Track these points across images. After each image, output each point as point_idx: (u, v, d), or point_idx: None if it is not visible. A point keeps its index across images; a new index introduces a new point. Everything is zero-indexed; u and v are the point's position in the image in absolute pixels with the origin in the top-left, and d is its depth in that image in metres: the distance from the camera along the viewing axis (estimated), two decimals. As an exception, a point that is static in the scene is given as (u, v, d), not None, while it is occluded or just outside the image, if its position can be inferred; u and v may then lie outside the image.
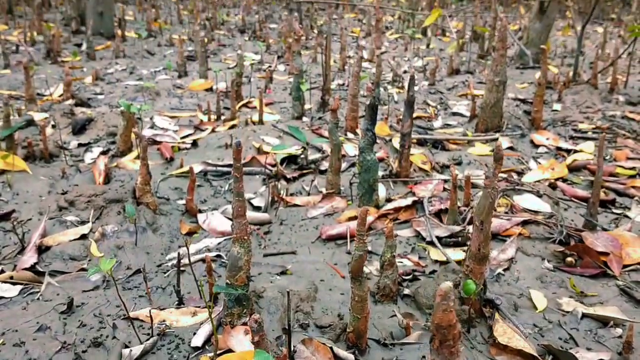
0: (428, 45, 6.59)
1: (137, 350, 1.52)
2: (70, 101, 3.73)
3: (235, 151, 1.55)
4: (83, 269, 1.94)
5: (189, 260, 1.71)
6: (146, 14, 8.35)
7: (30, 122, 3.18)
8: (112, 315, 1.69)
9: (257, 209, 2.40)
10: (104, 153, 2.93)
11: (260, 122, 3.41)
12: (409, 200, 2.30)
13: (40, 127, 2.83)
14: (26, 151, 2.79)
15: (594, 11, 4.70)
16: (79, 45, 6.25)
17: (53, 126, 3.24)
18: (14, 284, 1.86)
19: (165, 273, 1.93)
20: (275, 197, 2.42)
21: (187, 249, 1.71)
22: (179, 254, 1.77)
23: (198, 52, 5.49)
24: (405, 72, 5.17)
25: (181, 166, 2.75)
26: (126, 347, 1.56)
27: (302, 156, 2.83)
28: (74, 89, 4.14)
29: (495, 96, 3.17)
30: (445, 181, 2.56)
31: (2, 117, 2.70)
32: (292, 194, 2.52)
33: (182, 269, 1.94)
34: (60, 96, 4.03)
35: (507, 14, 9.97)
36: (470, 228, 2.08)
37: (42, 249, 2.04)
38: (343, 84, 4.70)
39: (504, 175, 2.60)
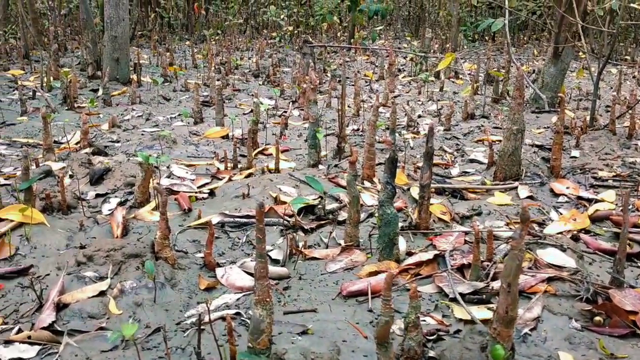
0: (441, 89, 6.63)
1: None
2: (88, 149, 3.76)
3: (257, 212, 1.53)
4: (102, 328, 1.91)
5: (209, 318, 1.68)
6: (161, 59, 8.48)
7: (48, 173, 3.20)
8: (134, 379, 1.66)
9: (275, 262, 2.37)
10: (121, 204, 2.92)
11: (277, 170, 3.41)
12: (430, 254, 2.27)
13: (58, 178, 2.85)
14: (44, 203, 2.79)
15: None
16: (95, 91, 6.34)
17: (71, 176, 3.25)
18: (31, 344, 1.84)
19: (184, 332, 1.90)
20: (294, 249, 2.40)
21: (208, 308, 1.68)
22: (200, 315, 1.74)
23: (214, 99, 5.54)
24: (419, 116, 5.18)
25: (199, 217, 2.74)
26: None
27: (320, 206, 2.82)
28: (91, 137, 4.18)
29: (513, 144, 3.15)
30: (466, 233, 2.52)
31: (21, 169, 2.71)
32: (310, 246, 2.50)
33: (201, 327, 1.91)
34: (77, 144, 4.06)
35: (520, 55, 10.05)
36: (494, 285, 2.04)
37: (60, 307, 2.02)
38: (358, 129, 4.72)
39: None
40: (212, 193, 3.12)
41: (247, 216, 2.75)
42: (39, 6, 11.51)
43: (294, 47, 11.80)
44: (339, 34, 13.27)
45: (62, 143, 4.09)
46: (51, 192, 2.84)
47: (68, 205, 2.84)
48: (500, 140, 4.11)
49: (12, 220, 2.58)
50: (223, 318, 1.95)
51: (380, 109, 5.51)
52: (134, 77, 6.74)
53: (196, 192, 3.11)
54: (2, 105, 5.54)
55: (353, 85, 5.90)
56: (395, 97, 6.16)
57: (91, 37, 7.23)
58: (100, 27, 8.76)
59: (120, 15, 6.50)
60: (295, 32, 12.60)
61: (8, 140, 4.21)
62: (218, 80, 6.33)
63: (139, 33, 12.63)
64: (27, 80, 6.87)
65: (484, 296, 2.01)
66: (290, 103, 5.82)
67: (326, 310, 1.99)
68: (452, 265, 2.20)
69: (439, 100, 5.98)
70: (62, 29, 11.02)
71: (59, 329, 1.90)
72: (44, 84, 6.31)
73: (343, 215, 2.77)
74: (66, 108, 5.45)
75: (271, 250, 2.47)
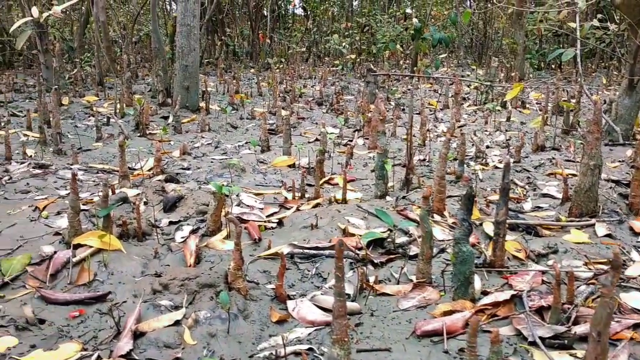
0: (508, 118, 6.51)
1: None
2: (161, 177, 3.86)
3: (337, 250, 1.53)
4: (177, 359, 1.94)
5: (284, 353, 1.67)
6: (227, 87, 8.70)
7: (124, 199, 3.30)
8: (207, 412, 1.67)
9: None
10: (194, 232, 2.98)
11: (344, 201, 3.41)
12: (507, 294, 2.20)
13: (135, 206, 2.93)
14: (121, 230, 2.87)
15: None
16: (166, 118, 6.54)
17: (145, 203, 3.34)
18: (110, 371, 1.88)
19: (258, 366, 1.90)
20: (364, 284, 2.38)
21: (284, 344, 1.68)
22: (275, 351, 1.74)
23: (280, 127, 5.63)
24: (487, 147, 5.09)
25: (269, 248, 2.75)
26: None
27: (389, 239, 2.79)
28: (163, 164, 4.30)
29: (590, 180, 3.05)
30: (543, 272, 2.44)
31: (100, 196, 2.81)
32: (380, 281, 2.47)
33: (274, 362, 1.91)
34: (150, 170, 4.18)
35: (589, 84, 9.78)
36: (576, 329, 1.95)
37: (137, 335, 2.06)
38: (424, 160, 4.67)
39: (605, 267, 2.46)
40: (280, 223, 3.14)
41: (317, 248, 2.75)
42: (111, 34, 12.02)
43: (356, 74, 11.89)
44: (401, 62, 13.29)
45: (135, 169, 4.22)
46: (127, 219, 2.93)
47: (143, 232, 2.91)
48: (574, 174, 3.99)
49: (91, 247, 2.67)
50: (296, 353, 1.94)
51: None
52: (203, 104, 6.92)
53: (265, 222, 3.14)
54: (79, 131, 5.78)
55: (418, 114, 5.87)
56: (461, 126, 6.09)
57: (162, 66, 7.49)
58: (169, 55, 9.08)
59: (191, 45, 6.71)
60: (358, 60, 12.69)
61: (85, 166, 4.38)
62: (284, 108, 6.43)
63: (206, 61, 13.00)
64: (101, 107, 7.16)
65: (566, 341, 1.93)
66: (355, 132, 5.83)
67: (400, 349, 1.96)
68: (530, 307, 2.13)
69: (507, 130, 5.87)
70: (133, 57, 11.47)
71: (136, 357, 1.94)
72: (117, 111, 6.56)
73: (413, 250, 2.73)
74: (138, 135, 5.63)
75: (341, 283, 2.45)
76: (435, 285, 2.37)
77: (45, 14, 6.67)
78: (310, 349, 1.98)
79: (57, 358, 1.95)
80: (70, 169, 4.29)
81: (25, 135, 5.45)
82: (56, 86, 6.30)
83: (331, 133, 5.02)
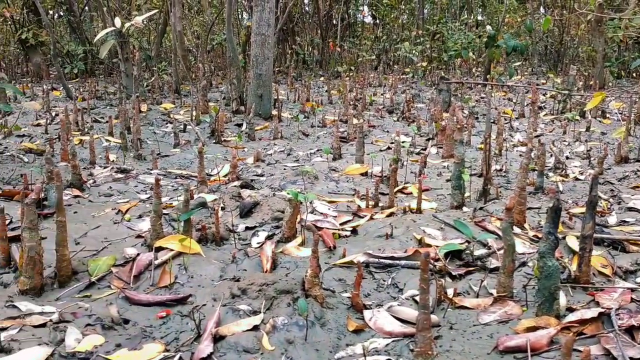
0: (588, 128, 6.27)
1: None
2: (236, 183, 3.93)
3: (422, 262, 1.50)
4: (256, 364, 1.96)
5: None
6: (298, 95, 8.81)
7: (203, 204, 3.38)
8: (287, 419, 1.67)
9: (423, 307, 2.32)
10: (269, 237, 3.01)
11: (419, 210, 3.36)
12: (594, 312, 2.11)
13: (214, 211, 2.99)
14: (200, 234, 2.94)
15: None
16: (240, 125, 6.68)
17: (222, 208, 3.41)
18: (192, 373, 1.92)
19: (335, 375, 1.89)
20: (442, 296, 2.33)
21: (364, 354, 1.67)
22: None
23: (351, 135, 5.63)
24: (567, 157, 4.92)
25: (344, 256, 2.75)
26: None
27: (467, 251, 2.73)
28: (238, 170, 4.37)
29: (683, 194, 2.89)
30: (633, 290, 2.32)
31: (182, 201, 2.89)
32: (459, 294, 2.42)
33: (353, 372, 1.90)
34: (225, 176, 4.27)
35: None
36: (673, 352, 1.84)
37: (217, 338, 2.09)
38: (501, 170, 4.56)
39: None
40: (354, 231, 3.13)
41: (392, 257, 2.72)
42: (186, 43, 12.38)
43: (427, 82, 11.76)
44: (473, 69, 13.06)
45: (212, 175, 4.32)
46: (206, 224, 2.99)
47: (221, 236, 2.97)
48: (662, 188, 3.79)
49: (172, 250, 2.74)
50: (373, 364, 1.92)
51: (523, 148, 5.31)
52: (275, 112, 7.02)
53: (339, 230, 3.14)
54: (157, 137, 5.98)
55: (494, 123, 5.74)
56: (538, 136, 5.91)
57: (236, 74, 7.66)
58: (242, 64, 9.27)
59: (265, 53, 6.83)
60: (428, 67, 12.56)
61: (164, 171, 4.52)
62: (355, 117, 6.44)
63: (277, 69, 13.20)
64: (177, 114, 7.38)
65: (661, 364, 1.82)
66: (428, 140, 5.76)
67: (482, 365, 1.91)
68: (619, 326, 2.03)
69: (587, 141, 5.65)
70: (207, 65, 11.79)
71: (215, 360, 1.97)
72: (194, 118, 6.74)
73: (492, 262, 2.66)
74: (214, 141, 5.77)
75: (417, 295, 2.41)
76: (516, 300, 2.30)
77: (127, 24, 6.96)
78: (389, 361, 1.96)
79: (141, 358, 2.01)
80: (151, 173, 4.44)
81: (107, 140, 5.69)
82: (137, 94, 6.56)
83: (404, 142, 4.97)
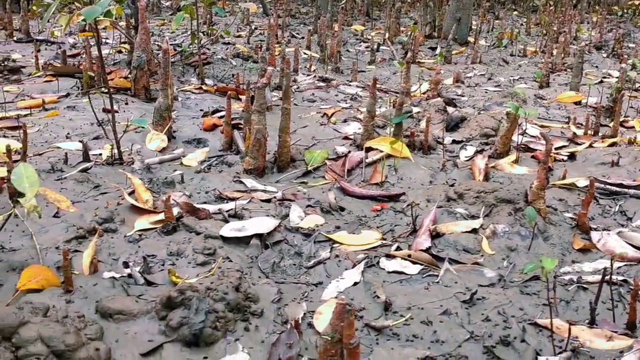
0: None
1: (553, 360, 1.42)
2: (438, 99, 3.83)
3: None
4: (477, 263, 1.91)
5: (610, 277, 1.54)
6: (491, 26, 8.38)
7: (409, 114, 3.33)
8: (516, 317, 1.62)
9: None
10: (478, 152, 2.91)
11: (645, 143, 3.04)
12: None
13: (425, 119, 2.94)
14: (407, 140, 2.91)
15: None
16: (433, 49, 6.49)
17: (427, 120, 3.34)
18: (412, 262, 1.92)
19: (564, 285, 1.79)
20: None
21: (611, 267, 1.55)
22: (604, 269, 1.61)
23: (559, 66, 5.23)
24: None
25: (564, 177, 2.57)
26: (537, 354, 1.47)
27: None
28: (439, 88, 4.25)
29: None
30: None
31: (396, 106, 2.86)
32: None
33: (584, 285, 1.79)
34: (424, 93, 4.18)
35: None
36: None
37: (433, 235, 2.07)
38: None
39: None
40: (572, 156, 2.92)
41: (621, 185, 2.49)
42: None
43: (635, 23, 10.55)
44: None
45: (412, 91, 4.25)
46: (415, 131, 2.95)
47: (429, 145, 2.92)
48: None
49: (381, 151, 2.74)
50: (606, 282, 1.78)
51: None
52: (471, 39, 6.72)
53: (554, 153, 2.94)
54: (351, 55, 6.00)
55: None
56: None
57: (433, -2, 7.39)
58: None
59: (468, -25, 6.48)
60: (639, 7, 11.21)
61: (362, 84, 4.54)
62: (556, 49, 5.95)
63: None
64: (368, 36, 7.35)
65: None
66: (646, 78, 5.17)
67: None
68: None
69: None
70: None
71: (435, 254, 1.95)
72: (387, 38, 6.67)
73: None
74: (410, 61, 5.65)
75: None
76: None
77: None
78: (624, 281, 1.81)
79: (361, 241, 2.06)
80: (350, 85, 4.48)
81: (305, 53, 5.82)
82: (329, 13, 6.60)
83: (628, 74, 4.49)
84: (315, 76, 4.60)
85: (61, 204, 1.69)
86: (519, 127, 2.89)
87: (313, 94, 4.14)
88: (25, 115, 3.28)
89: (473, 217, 2.18)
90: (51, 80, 4.05)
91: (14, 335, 1.30)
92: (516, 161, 2.76)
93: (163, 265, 1.81)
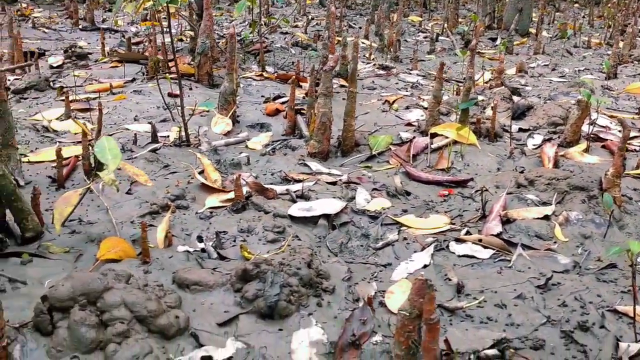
0: None
1: (634, 347, 1.37)
2: (502, 88, 3.75)
3: None
4: (550, 249, 1.86)
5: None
6: (552, 18, 8.17)
7: (475, 100, 3.27)
8: (594, 304, 1.57)
9: None
10: (546, 141, 2.84)
11: None
12: None
13: (491, 106, 2.89)
14: (473, 127, 2.86)
15: None
16: (493, 40, 6.37)
17: (492, 108, 3.28)
18: (483, 246, 1.89)
19: None
20: None
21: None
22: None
23: (624, 57, 5.07)
24: None
25: (637, 167, 2.49)
26: (618, 340, 1.43)
27: None
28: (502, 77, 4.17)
29: None
30: None
31: (463, 91, 2.82)
32: None
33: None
34: (486, 82, 4.11)
35: None
36: None
37: (504, 220, 2.03)
38: None
39: None
40: (645, 147, 2.81)
41: (700, 176, 2.39)
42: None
43: None
44: None
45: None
46: (481, 119, 2.90)
47: (495, 133, 2.87)
48: None
49: (446, 137, 2.71)
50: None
51: None
52: (532, 30, 6.56)
53: (627, 143, 2.83)
54: (409, 45, 5.95)
55: None
56: None
57: (493, -11, 7.24)
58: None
59: (531, -36, 6.32)
60: None
61: (423, 73, 4.49)
62: (622, 40, 5.75)
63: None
64: (426, 26, 7.27)
65: None
66: None
67: None
68: None
69: None
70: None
71: (507, 239, 1.92)
72: (446, 29, 6.58)
73: None
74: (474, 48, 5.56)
75: None
76: None
77: None
78: None
79: (429, 224, 2.04)
80: (410, 73, 4.43)
81: (363, 42, 5.79)
82: (387, 3, 6.55)
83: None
84: (374, 64, 4.57)
85: (139, 177, 1.74)
86: (588, 116, 2.81)
87: (373, 81, 4.12)
88: (94, 99, 3.38)
89: (544, 203, 2.13)
90: (117, 66, 4.16)
91: (99, 300, 1.34)
92: (586, 150, 2.68)
93: (234, 241, 1.83)
